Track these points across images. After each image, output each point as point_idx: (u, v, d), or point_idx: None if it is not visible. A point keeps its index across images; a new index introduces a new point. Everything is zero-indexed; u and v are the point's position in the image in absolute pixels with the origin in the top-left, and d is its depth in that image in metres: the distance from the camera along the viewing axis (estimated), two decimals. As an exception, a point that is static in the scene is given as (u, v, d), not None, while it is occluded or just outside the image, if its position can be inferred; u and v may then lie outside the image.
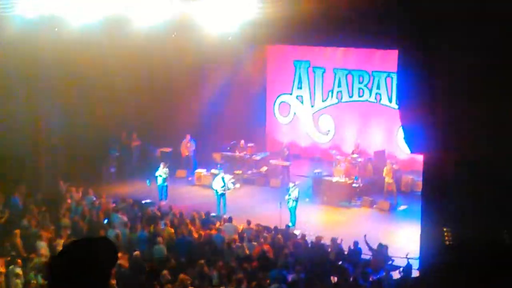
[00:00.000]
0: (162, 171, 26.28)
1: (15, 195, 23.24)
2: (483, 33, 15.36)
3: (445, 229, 16.48)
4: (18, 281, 16.69)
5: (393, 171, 25.99)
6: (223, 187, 25.03)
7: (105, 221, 21.92)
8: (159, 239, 19.54)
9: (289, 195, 23.73)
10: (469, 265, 15.62)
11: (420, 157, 20.00)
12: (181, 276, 16.53)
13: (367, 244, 19.66)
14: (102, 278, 3.51)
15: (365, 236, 19.90)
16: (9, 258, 18.06)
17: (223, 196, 25.04)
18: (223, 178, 25.23)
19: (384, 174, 26.04)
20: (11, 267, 17.37)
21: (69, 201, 23.58)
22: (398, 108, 18.24)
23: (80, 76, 25.85)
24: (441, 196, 17.54)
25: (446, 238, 16.36)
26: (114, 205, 23.45)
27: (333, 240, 20.13)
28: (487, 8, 15.18)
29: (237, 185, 27.73)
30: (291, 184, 24.30)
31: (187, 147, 30.09)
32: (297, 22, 19.58)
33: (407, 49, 16.84)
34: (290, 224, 23.05)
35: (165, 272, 16.74)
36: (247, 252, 19.32)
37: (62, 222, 21.46)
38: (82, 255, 3.48)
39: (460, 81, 16.02)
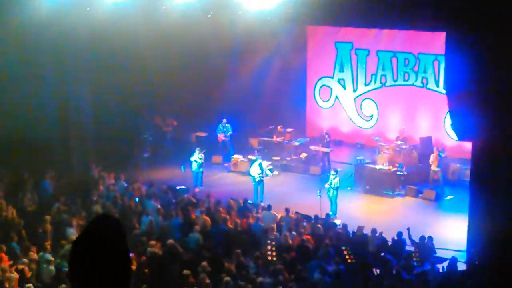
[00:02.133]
0: (197, 157, 26.47)
1: (45, 179, 23.62)
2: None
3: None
4: (51, 267, 17.04)
5: (439, 158, 25.88)
6: (260, 174, 25.13)
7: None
8: (196, 227, 19.75)
9: (330, 183, 23.79)
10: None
11: (468, 145, 20.01)
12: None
13: (410, 238, 19.68)
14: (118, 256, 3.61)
15: (408, 229, 19.89)
16: (40, 245, 18.49)
17: (261, 183, 25.17)
18: (260, 165, 25.33)
19: (430, 162, 25.95)
20: (41, 253, 17.76)
21: (101, 186, 23.88)
22: (446, 93, 18.22)
23: (112, 58, 26.08)
24: (490, 186, 17.54)
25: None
26: (147, 191, 23.71)
27: (373, 231, 20.18)
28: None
29: (276, 172, 27.85)
30: (332, 172, 24.35)
31: (224, 131, 30.25)
32: (339, 1, 19.63)
33: (456, 31, 16.82)
34: (330, 213, 23.15)
35: (204, 263, 16.92)
36: (290, 241, 19.45)
37: (93, 208, 21.76)
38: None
39: (510, 65, 15.99)
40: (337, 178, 23.86)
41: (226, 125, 30.11)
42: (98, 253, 3.50)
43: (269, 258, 17.50)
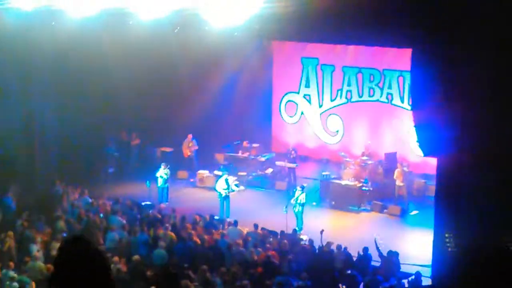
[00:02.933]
0: (162, 172, 26.39)
1: (7, 195, 23.35)
2: (497, 30, 15.48)
3: (447, 235, 16.59)
4: (15, 284, 16.82)
5: (404, 174, 26.04)
6: (226, 189, 25.08)
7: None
8: (161, 243, 19.63)
9: (296, 199, 23.82)
10: (481, 274, 15.73)
11: (433, 160, 20.10)
12: (184, 282, 16.64)
13: (378, 249, 19.74)
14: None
15: (375, 240, 19.98)
16: (3, 263, 18.26)
17: (227, 198, 25.12)
18: (226, 180, 25.29)
19: (395, 177, 26.09)
20: (4, 271, 17.52)
21: (65, 202, 23.67)
22: (411, 109, 18.34)
23: (77, 72, 25.95)
24: (454, 201, 17.63)
25: (448, 243, 16.47)
26: (112, 206, 23.54)
27: (338, 247, 20.21)
28: (501, 6, 15.31)
29: (241, 188, 27.80)
30: (298, 188, 24.38)
31: (189, 147, 30.19)
32: (305, 17, 19.68)
33: (421, 48, 16.94)
34: (297, 229, 23.16)
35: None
36: (255, 257, 19.42)
37: (57, 224, 21.55)
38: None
39: (476, 81, 16.13)
40: (303, 194, 23.89)
41: (192, 140, 30.05)
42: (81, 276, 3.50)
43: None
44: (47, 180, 25.59)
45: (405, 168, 26.34)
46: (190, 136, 30.06)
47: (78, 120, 26.60)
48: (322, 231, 20.66)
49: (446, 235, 16.65)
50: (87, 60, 25.65)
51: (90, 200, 23.88)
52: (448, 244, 16.42)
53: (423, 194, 26.96)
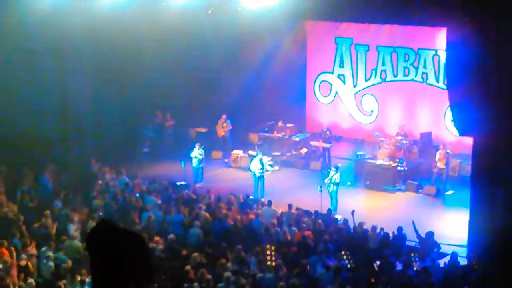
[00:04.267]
0: (197, 152, 26.48)
1: (44, 175, 23.62)
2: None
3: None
4: (51, 263, 17.08)
5: (447, 156, 25.87)
6: (261, 169, 25.12)
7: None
8: (196, 222, 19.77)
9: (330, 178, 23.80)
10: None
11: (468, 140, 20.01)
12: (221, 261, 16.81)
13: (416, 231, 19.68)
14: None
15: (413, 222, 19.92)
16: (40, 241, 18.55)
17: (262, 179, 25.16)
18: (261, 160, 25.32)
19: (436, 159, 25.88)
20: (43, 249, 17.79)
21: (100, 182, 23.90)
22: (447, 88, 18.25)
23: (111, 53, 26.11)
24: (491, 181, 17.56)
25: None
26: (147, 186, 23.72)
27: (373, 228, 20.22)
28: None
29: (276, 168, 27.83)
30: (332, 168, 24.38)
31: (223, 127, 30.25)
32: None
33: (456, 26, 16.82)
34: (331, 209, 23.19)
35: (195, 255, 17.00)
36: (288, 237, 19.50)
37: (94, 203, 21.80)
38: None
39: (511, 60, 16.00)
40: (338, 174, 23.87)
41: (226, 120, 30.12)
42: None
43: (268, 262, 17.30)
44: (82, 160, 25.82)
45: (448, 151, 26.10)
46: (224, 116, 30.10)
47: (112, 100, 26.77)
48: (353, 212, 20.64)
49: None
50: (121, 42, 25.80)
51: (127, 180, 24.06)
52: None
53: (458, 173, 26.78)
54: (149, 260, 3.70)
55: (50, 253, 17.50)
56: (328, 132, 29.17)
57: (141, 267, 3.63)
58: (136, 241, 3.67)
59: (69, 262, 17.45)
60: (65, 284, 15.67)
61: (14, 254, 17.15)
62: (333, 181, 23.77)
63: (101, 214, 20.79)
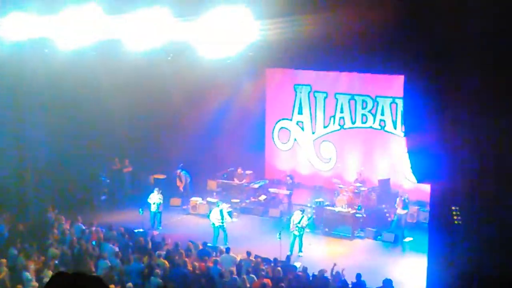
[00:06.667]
0: (156, 197, 26.35)
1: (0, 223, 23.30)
2: (489, 56, 15.57)
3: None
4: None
5: (404, 203, 26.06)
6: (221, 220, 25.04)
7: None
8: (157, 271, 19.55)
9: (298, 222, 23.95)
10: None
11: (426, 187, 20.12)
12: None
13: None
14: None
15: (333, 266, 20.20)
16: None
17: (222, 228, 25.08)
18: (221, 211, 25.19)
19: (396, 205, 26.07)
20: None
21: (56, 230, 23.60)
22: (404, 135, 18.39)
23: (70, 100, 25.99)
24: (449, 227, 17.63)
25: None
26: (104, 234, 23.47)
27: (337, 274, 20.19)
28: (493, 30, 15.41)
29: (235, 219, 27.56)
30: (298, 211, 24.54)
31: (181, 182, 30.17)
32: (298, 45, 19.78)
33: (413, 74, 17.02)
34: (300, 254, 23.67)
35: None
36: (247, 285, 19.37)
37: (50, 252, 21.48)
38: None
39: (469, 107, 16.20)
40: (305, 217, 24.12)
41: (181, 173, 30.01)
42: None
43: None
44: (39, 207, 25.50)
45: (406, 197, 26.32)
46: (178, 171, 30.04)
47: (70, 147, 26.58)
48: (335, 264, 20.61)
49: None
50: (80, 88, 25.72)
51: (82, 228, 23.79)
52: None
53: (417, 220, 26.95)
54: None
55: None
56: (289, 179, 29.29)
57: None
58: (96, 285, 3.61)
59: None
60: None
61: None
62: (300, 224, 23.90)
63: (57, 262, 20.49)
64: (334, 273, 20.34)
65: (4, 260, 19.84)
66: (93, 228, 23.89)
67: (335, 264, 20.66)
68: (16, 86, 24.69)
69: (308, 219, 24.64)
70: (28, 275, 19.23)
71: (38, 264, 20.27)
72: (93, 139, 27.59)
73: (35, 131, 25.92)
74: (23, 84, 24.72)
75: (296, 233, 24.08)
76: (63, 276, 3.73)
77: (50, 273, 19.44)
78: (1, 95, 24.38)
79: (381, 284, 19.53)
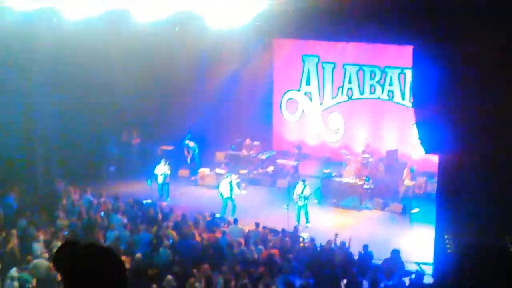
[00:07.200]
0: (163, 168, 26.37)
1: (9, 194, 23.36)
2: (499, 27, 15.46)
3: (446, 236, 16.56)
4: (15, 283, 16.83)
5: (411, 174, 26.04)
6: (230, 191, 25.04)
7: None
8: (165, 242, 19.63)
9: (301, 193, 23.93)
10: (483, 272, 15.72)
11: (434, 158, 20.09)
12: (191, 280, 16.68)
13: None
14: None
15: (335, 236, 20.26)
16: (4, 260, 18.30)
17: (231, 199, 25.09)
18: (230, 183, 25.19)
19: (403, 176, 26.05)
20: (12, 270, 17.54)
21: (65, 201, 23.68)
22: (413, 106, 18.33)
23: (78, 71, 25.92)
24: (456, 199, 17.63)
25: (448, 245, 16.45)
26: (112, 205, 23.53)
27: (341, 245, 20.24)
28: (503, 2, 15.30)
29: (244, 192, 27.41)
30: (299, 182, 24.54)
31: (188, 152, 30.17)
32: (306, 15, 19.65)
33: (422, 45, 16.92)
34: (308, 224, 23.72)
35: (169, 277, 16.85)
36: (255, 256, 19.42)
37: (59, 222, 21.58)
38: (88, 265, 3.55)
39: (477, 79, 16.12)
40: (307, 187, 24.12)
41: (190, 143, 30.01)
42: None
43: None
44: (48, 179, 25.57)
45: (414, 168, 26.31)
46: (186, 142, 30.03)
47: (79, 119, 26.57)
48: (336, 234, 20.68)
49: (446, 236, 16.61)
50: (87, 59, 25.63)
51: (91, 199, 23.88)
52: (447, 246, 16.39)
53: (424, 191, 26.92)
54: (123, 272, 3.62)
55: (15, 273, 17.24)
56: (296, 150, 29.30)
57: (115, 280, 3.54)
58: (107, 255, 3.58)
59: (34, 282, 17.21)
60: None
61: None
62: (303, 195, 23.89)
63: (66, 233, 20.59)
64: (338, 243, 20.37)
65: (14, 231, 19.94)
66: (102, 199, 23.96)
67: (337, 234, 20.70)
68: (24, 56, 24.62)
69: (314, 190, 24.62)
70: (38, 245, 19.32)
71: (48, 235, 20.36)
72: (101, 110, 27.54)
73: (43, 102, 25.88)
74: (31, 54, 24.64)
75: (300, 203, 24.10)
76: (74, 246, 3.70)
77: (59, 243, 19.57)
78: (9, 65, 24.31)
79: (388, 255, 19.59)
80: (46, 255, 18.76)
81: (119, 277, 3.58)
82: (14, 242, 19.43)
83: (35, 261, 18.17)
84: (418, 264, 19.68)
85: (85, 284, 3.48)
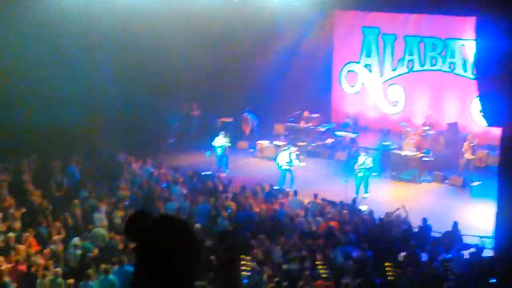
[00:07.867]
0: (222, 141, 26.43)
1: (72, 164, 23.70)
2: None
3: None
4: (78, 252, 17.11)
5: (474, 147, 25.68)
6: (288, 163, 24.97)
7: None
8: (224, 213, 19.74)
9: (362, 163, 23.83)
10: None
11: (495, 130, 19.77)
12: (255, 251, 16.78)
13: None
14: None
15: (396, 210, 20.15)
16: (67, 229, 18.62)
17: (290, 171, 25.04)
18: (290, 154, 25.15)
19: (463, 150, 25.69)
20: (75, 238, 17.83)
21: (127, 172, 23.93)
22: (476, 78, 18.01)
23: (138, 44, 26.09)
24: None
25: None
26: (173, 176, 23.71)
27: (398, 217, 20.11)
28: None
29: (302, 164, 27.35)
30: (362, 153, 24.45)
31: (248, 125, 30.21)
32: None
33: (485, 16, 16.58)
34: (365, 195, 23.72)
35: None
36: (313, 227, 19.42)
37: (120, 193, 21.83)
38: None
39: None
40: (370, 158, 24.05)
41: (248, 117, 30.06)
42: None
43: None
44: (109, 149, 25.84)
45: (474, 142, 25.92)
46: (245, 115, 30.07)
47: (139, 91, 26.74)
48: (397, 209, 20.52)
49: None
50: (148, 33, 25.78)
51: (151, 170, 24.10)
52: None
53: (485, 164, 26.52)
54: (197, 245, 3.59)
55: (78, 242, 17.53)
56: (351, 121, 29.20)
57: (190, 253, 3.51)
58: (183, 227, 3.56)
59: (95, 251, 17.49)
60: (91, 272, 15.67)
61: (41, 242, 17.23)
62: (364, 166, 23.77)
63: (127, 203, 20.84)
64: (399, 217, 20.23)
65: (76, 201, 20.26)
66: (162, 171, 24.17)
67: (398, 208, 20.54)
68: (85, 31, 24.84)
69: (373, 162, 24.45)
70: (99, 215, 19.59)
71: (109, 205, 20.61)
72: (161, 83, 27.69)
73: (104, 75, 26.11)
74: (92, 29, 24.86)
75: (361, 174, 23.96)
76: (147, 216, 3.65)
77: (120, 214, 19.82)
78: (71, 40, 24.56)
79: (446, 229, 19.41)
80: (106, 224, 19.02)
81: (197, 251, 3.56)
82: (76, 212, 19.73)
83: (95, 230, 18.45)
84: (480, 237, 19.43)
85: (162, 255, 3.46)
